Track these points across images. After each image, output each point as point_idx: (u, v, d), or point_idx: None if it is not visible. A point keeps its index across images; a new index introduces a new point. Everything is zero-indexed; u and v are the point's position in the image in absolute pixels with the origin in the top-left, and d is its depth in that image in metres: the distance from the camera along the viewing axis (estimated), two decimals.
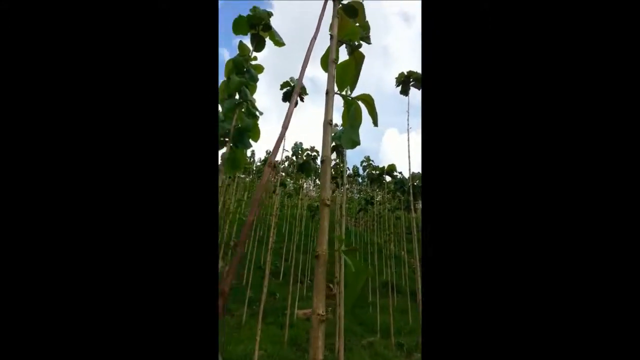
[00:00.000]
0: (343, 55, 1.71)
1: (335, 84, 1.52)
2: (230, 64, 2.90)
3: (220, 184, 3.15)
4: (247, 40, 3.01)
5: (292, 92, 6.09)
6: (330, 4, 1.59)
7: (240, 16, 2.69)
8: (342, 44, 1.83)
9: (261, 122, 3.09)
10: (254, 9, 2.78)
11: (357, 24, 1.71)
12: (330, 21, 1.54)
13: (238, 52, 2.94)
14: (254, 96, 3.12)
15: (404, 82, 5.96)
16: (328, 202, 1.23)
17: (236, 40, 3.03)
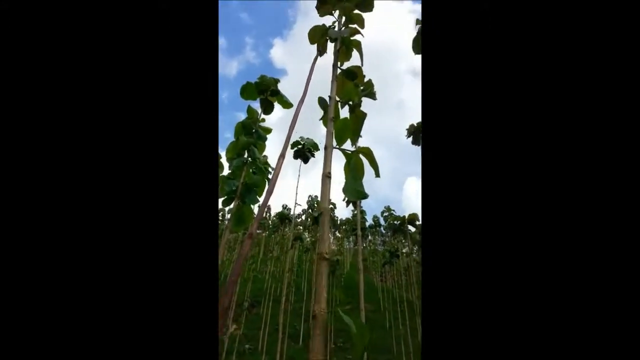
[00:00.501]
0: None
1: (334, 139, 1.52)
2: (240, 126, 3.02)
3: (225, 240, 3.07)
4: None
5: (301, 150, 6.28)
6: (318, 67, 1.68)
7: (248, 83, 2.87)
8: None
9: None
10: (262, 77, 2.98)
11: (359, 85, 1.77)
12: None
13: (247, 115, 3.09)
14: (268, 153, 3.21)
15: (415, 132, 6.03)
16: (327, 256, 1.12)
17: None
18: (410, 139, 6.16)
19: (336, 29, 1.75)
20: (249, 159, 3.00)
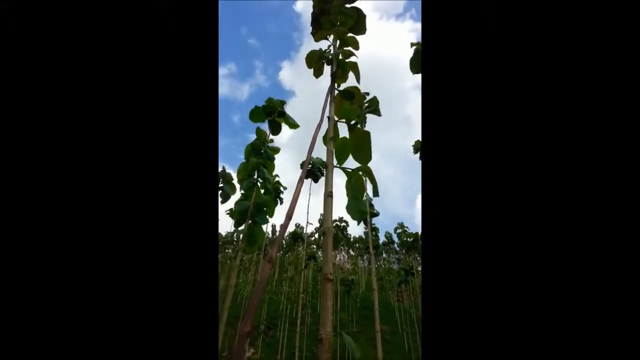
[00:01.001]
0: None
1: (334, 159, 1.58)
2: (249, 147, 3.15)
3: (238, 261, 3.12)
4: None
5: (311, 170, 6.36)
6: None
7: (256, 107, 3.02)
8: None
9: (287, 196, 3.18)
10: (269, 100, 3.13)
11: (358, 105, 1.85)
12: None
13: (256, 136, 3.22)
14: (280, 173, 3.29)
15: (421, 149, 6.04)
16: (330, 277, 1.14)
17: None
18: (418, 154, 6.15)
19: (332, 52, 1.85)
20: (259, 179, 3.10)
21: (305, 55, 1.91)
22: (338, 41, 1.87)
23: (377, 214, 7.59)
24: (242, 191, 3.13)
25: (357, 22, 1.87)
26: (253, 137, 3.25)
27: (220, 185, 4.22)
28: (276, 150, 3.23)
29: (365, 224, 8.27)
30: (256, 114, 3.06)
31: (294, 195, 1.29)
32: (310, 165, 5.87)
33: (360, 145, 1.63)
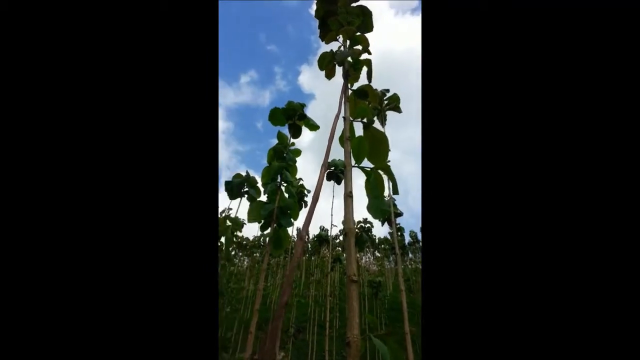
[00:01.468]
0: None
1: (352, 158, 1.58)
2: (271, 152, 3.22)
3: (266, 264, 3.18)
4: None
5: (333, 172, 6.37)
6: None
7: (275, 108, 3.08)
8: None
9: (311, 199, 3.22)
10: (289, 103, 3.18)
11: (370, 104, 1.84)
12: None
13: (277, 140, 3.28)
14: (303, 175, 3.32)
15: (421, 149, 5.88)
16: (355, 278, 1.15)
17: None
18: None
19: (342, 52, 1.85)
20: (283, 182, 3.16)
21: None
22: (348, 41, 1.88)
23: (400, 214, 7.47)
24: (266, 195, 3.19)
25: (364, 20, 1.87)
26: (276, 141, 3.31)
27: (246, 189, 4.34)
28: (297, 152, 3.28)
29: (390, 224, 8.14)
30: (276, 116, 3.13)
31: (310, 204, 1.32)
32: (332, 168, 5.89)
33: (376, 146, 1.61)
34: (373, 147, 1.54)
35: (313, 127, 3.32)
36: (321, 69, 1.89)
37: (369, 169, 1.50)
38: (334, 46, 1.97)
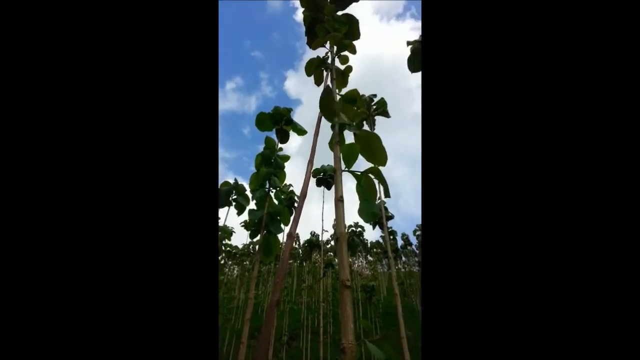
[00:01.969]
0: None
1: (342, 163, 1.55)
2: (259, 157, 3.16)
3: (256, 272, 3.10)
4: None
5: (323, 177, 6.36)
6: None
7: (262, 113, 3.03)
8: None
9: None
10: (275, 108, 3.14)
11: (359, 109, 1.82)
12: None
13: (264, 146, 3.23)
14: (292, 181, 3.29)
15: (421, 149, 5.96)
16: (348, 283, 1.11)
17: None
18: None
19: (329, 59, 1.85)
20: (271, 188, 3.09)
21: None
22: (335, 47, 1.87)
23: (392, 217, 7.49)
24: (255, 201, 3.13)
25: (350, 28, 1.87)
26: (263, 148, 3.26)
27: (234, 197, 4.25)
28: (286, 158, 3.23)
29: (381, 227, 8.15)
30: (263, 122, 3.07)
31: (296, 210, 1.29)
32: (321, 174, 5.87)
33: (371, 147, 1.60)
34: (369, 148, 1.52)
35: (301, 131, 3.28)
36: (309, 74, 1.87)
37: (359, 173, 1.47)
38: (319, 52, 1.97)
